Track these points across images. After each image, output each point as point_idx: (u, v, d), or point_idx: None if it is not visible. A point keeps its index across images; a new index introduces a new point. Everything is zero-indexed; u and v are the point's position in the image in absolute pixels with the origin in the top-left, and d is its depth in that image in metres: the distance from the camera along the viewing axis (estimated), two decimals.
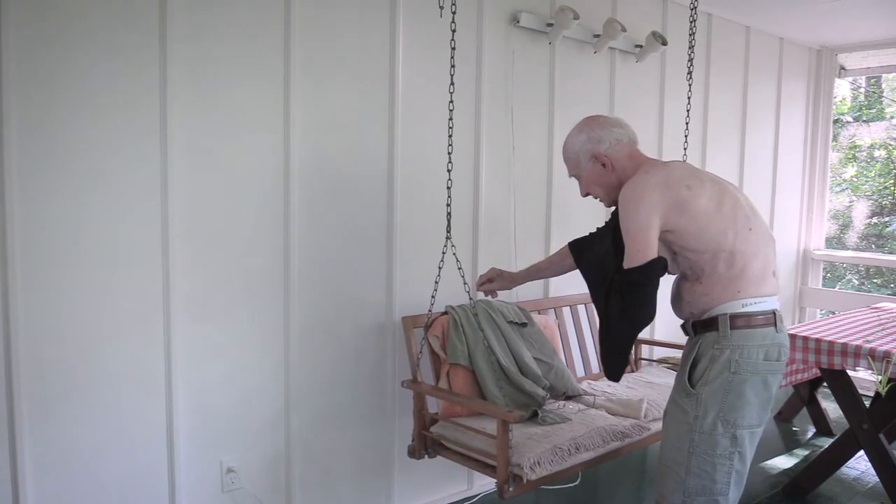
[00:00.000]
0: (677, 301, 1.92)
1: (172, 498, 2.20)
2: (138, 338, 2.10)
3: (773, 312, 1.83)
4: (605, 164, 1.93)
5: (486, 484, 3.01)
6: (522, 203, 3.09)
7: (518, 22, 2.94)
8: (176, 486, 2.20)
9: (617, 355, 1.89)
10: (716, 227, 1.78)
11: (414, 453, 2.40)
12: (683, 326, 1.94)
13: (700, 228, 1.77)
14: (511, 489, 2.08)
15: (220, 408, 2.29)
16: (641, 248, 1.74)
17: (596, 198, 2.02)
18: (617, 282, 1.80)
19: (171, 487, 2.20)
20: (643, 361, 3.21)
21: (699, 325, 1.85)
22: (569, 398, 2.67)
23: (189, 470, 2.23)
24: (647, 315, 1.81)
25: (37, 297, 1.92)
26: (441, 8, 2.20)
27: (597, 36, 3.20)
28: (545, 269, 2.38)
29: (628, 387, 2.83)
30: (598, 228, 2.17)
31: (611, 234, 1.97)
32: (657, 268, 1.76)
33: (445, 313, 2.56)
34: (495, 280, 2.37)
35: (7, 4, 1.81)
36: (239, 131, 2.25)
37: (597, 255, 2.01)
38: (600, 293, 1.92)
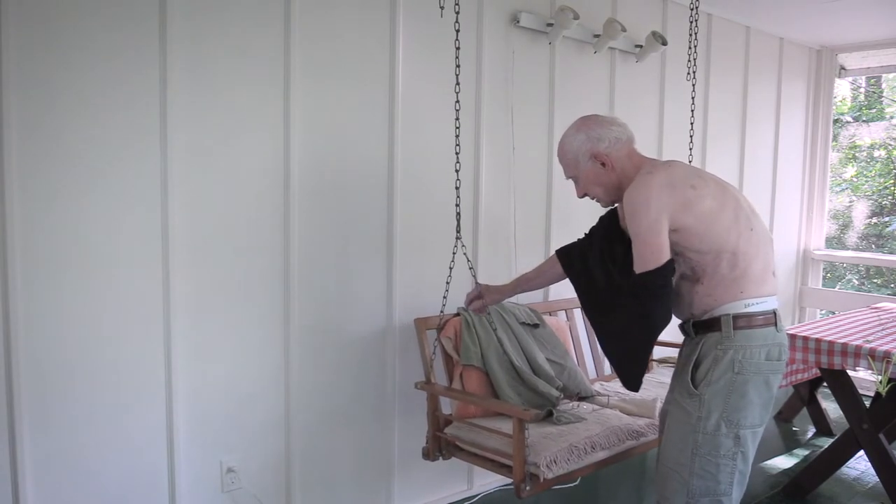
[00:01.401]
0: (677, 302, 1.89)
1: (172, 498, 2.20)
2: (138, 338, 2.10)
3: (774, 312, 1.83)
4: (605, 164, 1.90)
5: (486, 484, 3.01)
6: (522, 203, 3.08)
7: (518, 22, 2.94)
8: (176, 487, 2.20)
9: (637, 363, 1.85)
10: (719, 228, 1.77)
11: (428, 455, 2.39)
12: (682, 327, 1.93)
13: (705, 228, 1.76)
14: (528, 488, 2.08)
15: (220, 408, 2.28)
16: (655, 249, 1.72)
17: (593, 198, 2.00)
18: (636, 286, 1.77)
19: (171, 487, 2.20)
20: (654, 363, 3.21)
21: (700, 326, 1.84)
22: (582, 399, 2.67)
23: (189, 470, 2.23)
24: (666, 318, 1.80)
25: (37, 297, 1.92)
26: (442, 8, 2.20)
27: (597, 36, 3.20)
28: (534, 279, 2.29)
29: (642, 387, 2.83)
30: (585, 235, 2.13)
31: (600, 241, 1.95)
32: (671, 270, 1.75)
33: (458, 314, 2.56)
34: (484, 296, 2.29)
35: (7, 5, 1.81)
36: (239, 131, 2.25)
37: (589, 263, 1.98)
38: (596, 301, 1.90)
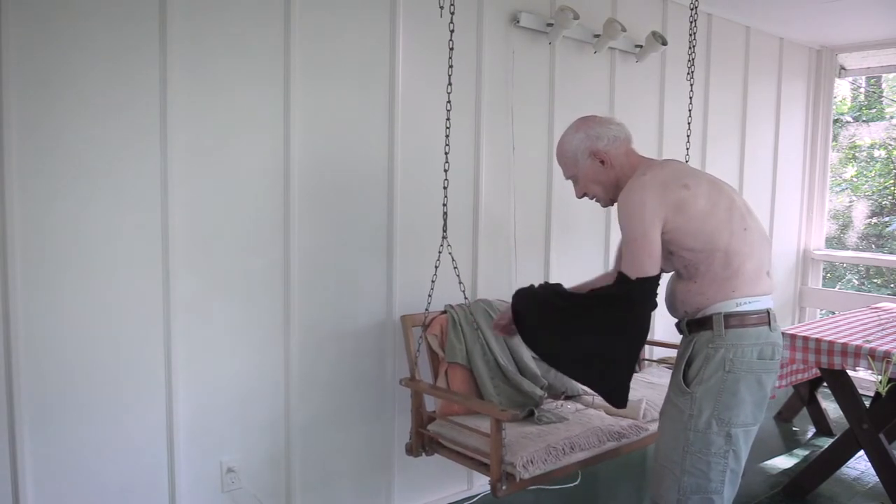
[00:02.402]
0: (671, 300, 1.91)
1: (172, 498, 2.20)
2: (138, 338, 2.10)
3: (767, 311, 1.83)
4: (604, 161, 1.91)
5: (485, 484, 2.99)
6: (522, 203, 3.08)
7: (518, 22, 2.94)
8: (176, 486, 2.20)
9: (627, 371, 1.85)
10: (712, 227, 1.77)
11: (411, 451, 2.41)
12: (678, 325, 1.94)
13: (698, 227, 1.76)
14: (504, 487, 2.09)
15: (220, 408, 2.29)
16: (648, 252, 1.72)
17: (592, 198, 2.00)
18: (633, 290, 1.75)
19: (171, 487, 2.20)
20: (645, 362, 3.21)
21: (693, 325, 1.84)
22: (568, 398, 2.67)
23: (189, 470, 2.23)
24: (648, 322, 1.83)
25: (37, 297, 1.92)
26: (441, 8, 2.20)
27: (597, 36, 3.20)
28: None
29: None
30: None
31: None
32: (659, 278, 1.78)
33: (444, 312, 2.57)
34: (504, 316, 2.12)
35: (7, 5, 1.81)
36: (239, 131, 2.25)
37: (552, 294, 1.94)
38: (570, 319, 1.87)
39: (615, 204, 2.00)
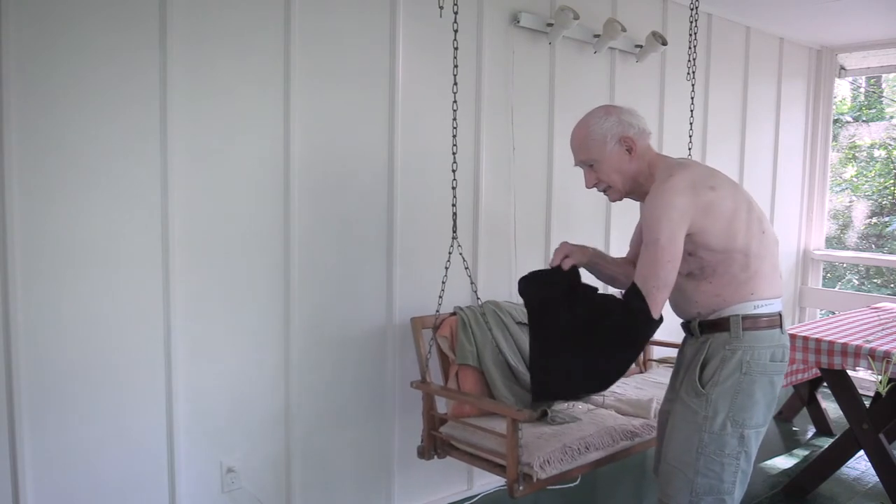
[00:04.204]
0: (682, 300, 1.89)
1: (172, 498, 2.20)
2: (138, 338, 2.10)
3: (779, 314, 1.84)
4: (631, 150, 1.87)
5: (486, 484, 3.01)
6: (522, 203, 3.08)
7: (518, 22, 2.94)
8: (176, 486, 2.20)
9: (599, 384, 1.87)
10: (736, 228, 1.77)
11: (423, 454, 2.39)
12: (686, 326, 1.93)
13: (722, 229, 1.75)
14: (521, 488, 2.08)
15: (220, 408, 2.28)
16: (669, 256, 1.70)
17: (604, 190, 1.94)
18: (642, 328, 1.74)
19: (171, 487, 2.20)
20: (652, 363, 3.20)
21: (707, 326, 1.84)
22: (578, 398, 2.66)
23: (189, 470, 2.23)
24: (622, 370, 1.83)
25: (37, 297, 1.92)
26: (441, 8, 2.20)
27: (597, 36, 3.20)
28: (610, 263, 2.09)
29: (637, 387, 2.83)
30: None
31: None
32: (657, 326, 1.76)
33: (454, 314, 2.56)
34: (571, 254, 1.99)
35: (7, 5, 1.81)
36: (239, 132, 2.25)
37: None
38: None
39: (623, 199, 1.97)
